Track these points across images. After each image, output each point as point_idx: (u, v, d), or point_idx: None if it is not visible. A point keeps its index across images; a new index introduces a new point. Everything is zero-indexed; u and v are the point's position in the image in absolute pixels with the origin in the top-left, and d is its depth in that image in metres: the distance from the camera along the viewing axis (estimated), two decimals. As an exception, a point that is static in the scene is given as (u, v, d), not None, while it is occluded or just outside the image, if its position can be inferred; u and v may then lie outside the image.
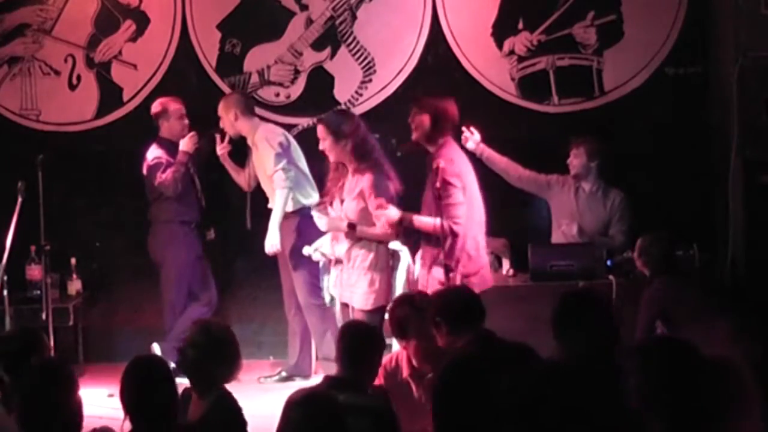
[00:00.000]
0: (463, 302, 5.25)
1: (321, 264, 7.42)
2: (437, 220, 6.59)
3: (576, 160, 7.96)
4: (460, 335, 5.09)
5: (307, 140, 8.13)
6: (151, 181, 8.01)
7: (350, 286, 6.80)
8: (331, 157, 6.91)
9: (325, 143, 6.88)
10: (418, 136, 6.86)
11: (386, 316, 6.19)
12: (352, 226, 6.72)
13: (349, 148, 6.80)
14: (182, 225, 8.07)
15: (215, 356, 4.71)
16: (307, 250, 7.22)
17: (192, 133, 8.04)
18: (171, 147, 8.06)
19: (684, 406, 3.75)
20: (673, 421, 3.75)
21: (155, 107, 8.14)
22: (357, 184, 6.78)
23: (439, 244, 6.63)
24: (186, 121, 8.12)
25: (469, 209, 6.79)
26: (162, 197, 8.02)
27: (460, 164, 6.83)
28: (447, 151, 6.79)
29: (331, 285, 7.08)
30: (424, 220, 6.72)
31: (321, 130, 6.91)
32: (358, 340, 5.07)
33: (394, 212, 6.65)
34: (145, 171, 8.04)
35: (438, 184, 6.58)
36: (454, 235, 6.69)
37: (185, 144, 8.01)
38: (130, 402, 4.38)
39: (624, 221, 7.93)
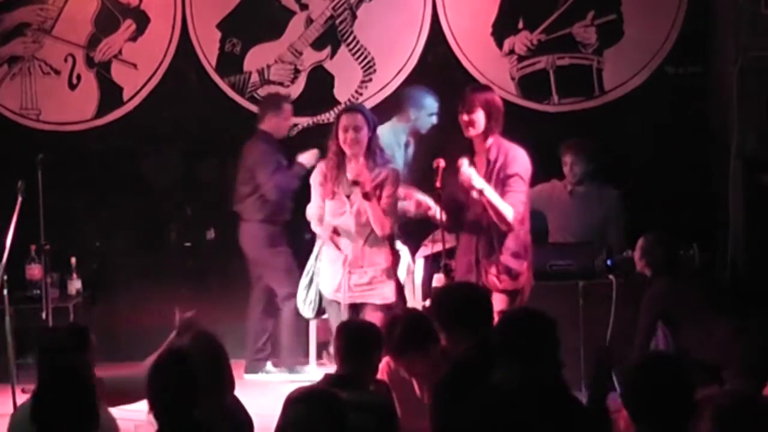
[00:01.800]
0: (459, 303, 5.06)
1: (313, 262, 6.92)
2: (507, 206, 6.25)
3: (576, 167, 7.88)
4: (459, 338, 4.92)
5: (307, 139, 8.15)
6: (252, 174, 7.89)
7: (363, 284, 6.58)
8: (355, 150, 6.46)
9: (360, 133, 6.48)
10: (475, 133, 6.39)
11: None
12: (369, 194, 6.41)
13: (376, 141, 6.63)
14: (274, 225, 7.93)
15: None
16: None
17: (315, 150, 7.74)
18: (274, 144, 7.98)
19: (676, 416, 3.78)
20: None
21: (273, 96, 8.13)
22: (377, 176, 6.59)
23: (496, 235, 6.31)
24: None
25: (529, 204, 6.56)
26: (256, 194, 7.91)
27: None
28: (509, 145, 6.48)
29: (331, 291, 6.59)
30: (499, 199, 6.28)
31: (360, 119, 6.51)
32: (357, 337, 5.03)
33: (476, 180, 6.23)
34: (250, 160, 7.91)
35: (508, 172, 6.29)
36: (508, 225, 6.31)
37: (307, 159, 7.81)
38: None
39: (620, 219, 7.91)
